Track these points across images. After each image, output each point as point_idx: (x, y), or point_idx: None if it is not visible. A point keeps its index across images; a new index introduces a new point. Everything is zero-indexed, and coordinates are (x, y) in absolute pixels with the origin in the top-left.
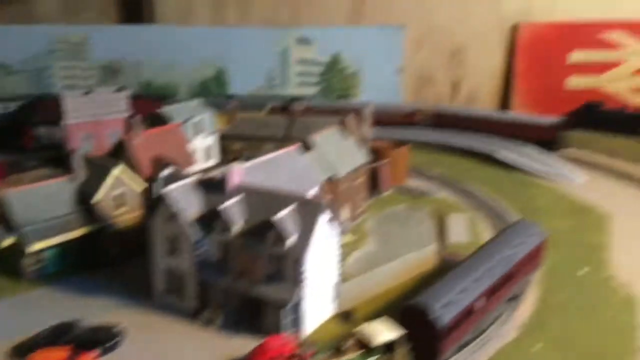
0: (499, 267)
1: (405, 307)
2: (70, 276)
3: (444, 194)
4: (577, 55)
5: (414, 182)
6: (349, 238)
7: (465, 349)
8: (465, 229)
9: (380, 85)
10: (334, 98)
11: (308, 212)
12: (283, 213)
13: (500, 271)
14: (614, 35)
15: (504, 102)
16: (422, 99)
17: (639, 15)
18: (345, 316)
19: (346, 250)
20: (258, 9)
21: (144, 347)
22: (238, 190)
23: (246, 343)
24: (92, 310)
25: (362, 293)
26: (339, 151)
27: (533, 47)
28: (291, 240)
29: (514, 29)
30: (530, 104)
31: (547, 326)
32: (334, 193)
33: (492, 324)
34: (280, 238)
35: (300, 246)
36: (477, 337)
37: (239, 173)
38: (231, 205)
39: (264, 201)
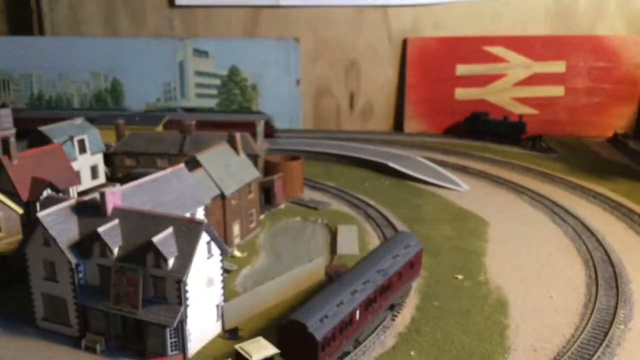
0: (376, 279)
1: (283, 323)
2: None
3: (337, 206)
4: (463, 69)
5: (308, 195)
6: (239, 254)
7: (347, 358)
8: (354, 241)
9: (280, 97)
10: (233, 110)
11: (188, 233)
12: (162, 234)
13: (377, 283)
14: (496, 50)
15: (398, 112)
16: (322, 109)
17: (518, 32)
18: (230, 334)
19: (237, 267)
20: (151, 20)
21: None
22: (116, 213)
23: None
24: None
25: (248, 310)
26: (227, 168)
27: (421, 60)
28: (171, 261)
29: (404, 43)
30: (422, 114)
31: (423, 332)
32: (222, 211)
33: (371, 333)
34: (160, 260)
35: (181, 267)
36: (357, 347)
37: (116, 196)
38: (109, 228)
39: (142, 223)
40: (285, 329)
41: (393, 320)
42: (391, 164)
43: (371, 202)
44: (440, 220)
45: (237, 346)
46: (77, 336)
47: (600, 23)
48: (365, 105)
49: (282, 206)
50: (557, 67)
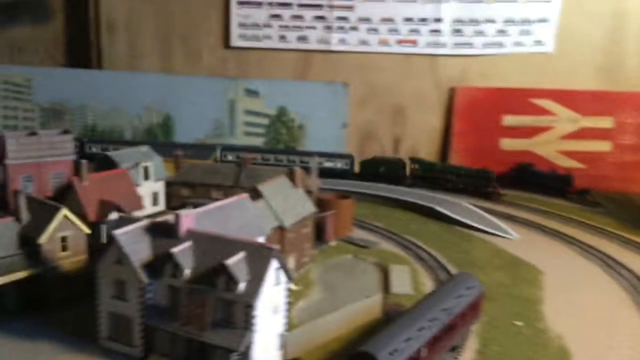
0: (441, 318)
1: (353, 353)
2: (12, 320)
3: (386, 246)
4: (510, 119)
5: (358, 234)
6: (294, 287)
7: None
8: (407, 280)
9: (325, 139)
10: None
11: (259, 258)
12: (234, 258)
13: (442, 322)
14: (543, 103)
15: (443, 158)
16: (367, 153)
17: (565, 85)
18: None
19: (292, 300)
20: (206, 60)
21: None
22: (189, 235)
23: None
24: (34, 356)
25: (308, 342)
26: (286, 201)
27: (469, 109)
28: (242, 285)
29: (451, 92)
30: (467, 163)
31: None
32: (280, 242)
33: None
34: (231, 283)
35: (251, 292)
36: None
37: (190, 218)
38: (182, 250)
39: (214, 247)
40: (355, 359)
41: None
42: (438, 208)
43: (420, 244)
44: (493, 266)
45: None
46: (140, 357)
47: None
48: (409, 151)
49: (333, 243)
50: (605, 122)
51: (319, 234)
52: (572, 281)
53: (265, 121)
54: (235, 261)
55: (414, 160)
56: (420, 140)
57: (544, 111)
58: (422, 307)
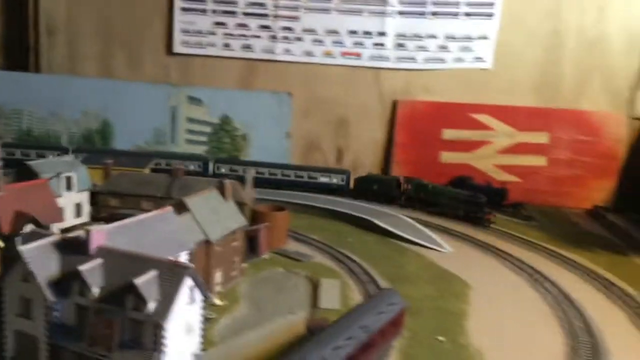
0: (358, 336)
1: None
2: None
3: (320, 259)
4: (449, 133)
5: (293, 246)
6: (220, 302)
7: None
8: (336, 295)
9: (269, 148)
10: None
11: (171, 276)
12: (144, 277)
13: (360, 339)
14: (482, 117)
15: (385, 171)
16: (310, 163)
17: (503, 101)
18: None
19: (215, 316)
20: (148, 66)
21: None
22: (99, 252)
23: None
24: None
25: None
26: (214, 214)
27: (410, 122)
28: (152, 305)
29: (394, 105)
30: (408, 174)
31: None
32: (206, 257)
33: None
34: (140, 303)
35: (161, 312)
36: None
37: (101, 235)
38: (91, 268)
39: (126, 265)
40: None
41: None
42: (376, 221)
43: (354, 258)
44: (423, 280)
45: None
46: None
47: (584, 98)
48: (352, 162)
49: (266, 256)
50: (541, 138)
51: (252, 247)
52: (498, 295)
53: (208, 129)
54: (145, 280)
55: (407, 179)
56: (363, 151)
57: (482, 126)
58: (339, 324)
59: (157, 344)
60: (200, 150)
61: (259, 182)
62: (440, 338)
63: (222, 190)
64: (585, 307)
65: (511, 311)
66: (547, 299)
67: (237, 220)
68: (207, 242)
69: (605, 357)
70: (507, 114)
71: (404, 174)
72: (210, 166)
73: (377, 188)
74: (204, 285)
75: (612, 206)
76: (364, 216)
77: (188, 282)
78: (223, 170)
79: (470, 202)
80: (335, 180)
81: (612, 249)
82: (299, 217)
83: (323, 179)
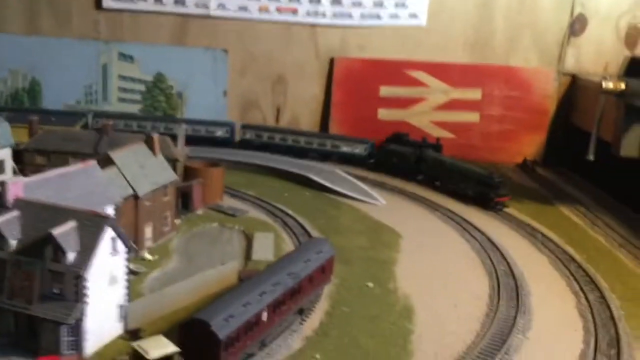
0: (285, 282)
1: (186, 321)
2: None
3: (255, 214)
4: (386, 90)
5: (228, 202)
6: (150, 257)
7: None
8: (269, 247)
9: (206, 107)
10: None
11: (91, 227)
12: (63, 227)
13: (286, 285)
14: (417, 74)
15: (323, 128)
16: (248, 122)
17: (438, 58)
18: (132, 335)
19: (146, 270)
20: (76, 22)
21: None
22: (17, 204)
23: None
24: None
25: (153, 312)
26: (142, 169)
27: (347, 80)
28: (71, 255)
29: (331, 62)
30: (345, 131)
31: (330, 336)
32: (134, 211)
33: (278, 336)
34: (59, 253)
35: (81, 262)
36: (262, 349)
37: (18, 186)
38: (7, 220)
39: (45, 217)
40: (187, 327)
41: (301, 324)
42: (311, 176)
43: (289, 212)
44: (356, 232)
45: (134, 344)
46: None
47: (515, 54)
48: (291, 120)
49: (200, 212)
50: (474, 94)
51: (185, 203)
52: (428, 244)
53: (141, 87)
54: (63, 231)
55: (421, 156)
56: (301, 109)
57: (417, 82)
58: (267, 272)
59: (78, 294)
60: (134, 109)
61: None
62: (369, 284)
63: (150, 144)
64: (510, 253)
65: (439, 258)
66: (474, 246)
67: (166, 175)
68: (135, 197)
69: (526, 298)
70: (441, 71)
71: (342, 132)
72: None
73: (397, 161)
74: (125, 236)
75: (542, 160)
76: (300, 172)
77: (109, 233)
78: (249, 137)
79: (480, 182)
80: (357, 150)
81: (539, 199)
82: (236, 174)
83: (345, 149)
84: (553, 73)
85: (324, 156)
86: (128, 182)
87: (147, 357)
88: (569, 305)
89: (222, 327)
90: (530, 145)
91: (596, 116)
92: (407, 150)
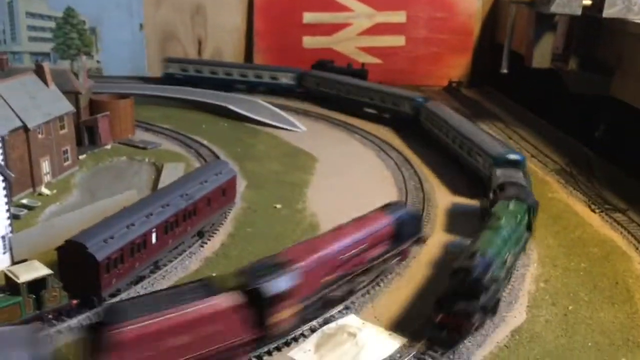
0: (176, 203)
1: (64, 244)
2: None
3: (169, 146)
4: (309, 17)
5: (142, 136)
6: (46, 192)
7: (144, 281)
8: (178, 176)
9: (123, 42)
10: (72, 55)
11: None
12: None
13: (179, 207)
14: None
15: (247, 59)
16: (169, 54)
17: None
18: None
19: (41, 204)
20: None
21: None
22: None
23: None
24: None
25: (45, 243)
26: (32, 100)
27: (269, 7)
28: None
29: None
30: (270, 61)
31: (230, 256)
32: (26, 144)
33: (176, 259)
34: None
35: None
36: (157, 271)
37: None
38: None
39: None
40: (64, 251)
41: (202, 246)
42: (230, 107)
43: (204, 142)
44: (271, 158)
45: (5, 269)
46: None
47: None
48: (213, 52)
49: (109, 146)
50: (399, 17)
51: (91, 137)
52: (343, 166)
53: (52, 24)
54: None
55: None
56: (224, 40)
57: (342, 7)
58: (158, 194)
59: None
60: (46, 48)
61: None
62: (277, 206)
63: (41, 75)
64: (421, 169)
65: (353, 178)
66: (389, 164)
67: (61, 107)
68: (25, 129)
69: (431, 209)
70: None
71: (266, 62)
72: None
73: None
74: (2, 165)
75: (468, 81)
76: (219, 103)
77: None
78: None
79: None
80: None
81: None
82: (152, 109)
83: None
84: None
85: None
86: (15, 113)
87: (18, 281)
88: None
89: (101, 248)
90: (456, 67)
91: (508, 28)
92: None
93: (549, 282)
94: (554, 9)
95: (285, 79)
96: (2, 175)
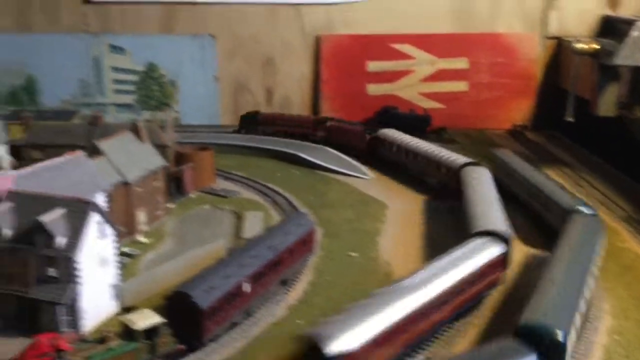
0: (264, 254)
1: (170, 295)
2: None
3: (247, 194)
4: (373, 65)
5: (221, 184)
6: (145, 240)
7: (236, 328)
8: (258, 225)
9: (198, 94)
10: (153, 106)
11: (78, 213)
12: (51, 214)
13: (266, 257)
14: (403, 47)
15: (315, 107)
16: (240, 105)
17: (423, 30)
18: (127, 312)
19: (140, 252)
20: (66, 16)
21: None
22: (9, 196)
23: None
24: None
25: (147, 290)
26: (130, 156)
27: (335, 57)
28: (61, 240)
29: (317, 40)
30: (337, 109)
31: (313, 303)
32: (126, 197)
33: (263, 306)
34: (50, 239)
35: (70, 246)
36: (249, 317)
37: (8, 180)
38: (1, 212)
39: (35, 206)
40: (172, 301)
41: (286, 294)
42: (301, 155)
43: (279, 190)
44: (344, 205)
45: (122, 317)
46: None
47: (498, 21)
48: (282, 101)
49: (193, 195)
50: (460, 63)
51: (178, 187)
52: (411, 214)
53: (134, 78)
54: (52, 217)
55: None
56: (292, 89)
57: (403, 55)
58: (248, 246)
59: (70, 275)
60: (129, 99)
61: None
62: (353, 253)
63: (136, 132)
64: None
65: (421, 228)
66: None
67: (154, 161)
68: (125, 183)
69: None
70: (427, 42)
71: (333, 109)
72: None
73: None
74: (111, 219)
75: (531, 125)
76: (290, 151)
77: (95, 217)
78: None
79: None
80: None
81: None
82: (228, 157)
83: None
84: (537, 37)
85: None
86: (117, 169)
87: (134, 327)
88: None
89: (204, 298)
90: (518, 110)
91: (572, 77)
92: None
93: (622, 334)
94: (618, 61)
95: None
96: (113, 229)
